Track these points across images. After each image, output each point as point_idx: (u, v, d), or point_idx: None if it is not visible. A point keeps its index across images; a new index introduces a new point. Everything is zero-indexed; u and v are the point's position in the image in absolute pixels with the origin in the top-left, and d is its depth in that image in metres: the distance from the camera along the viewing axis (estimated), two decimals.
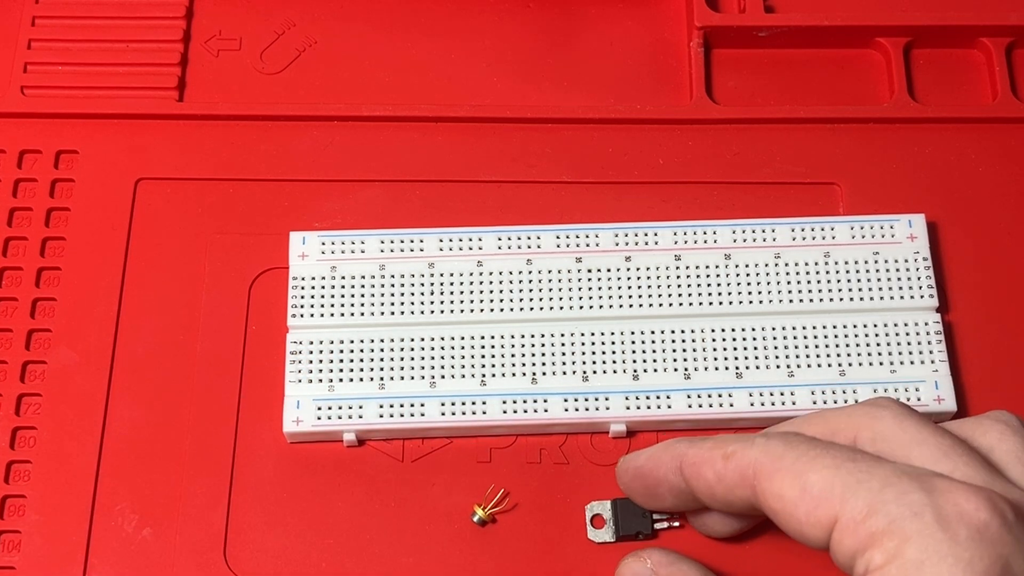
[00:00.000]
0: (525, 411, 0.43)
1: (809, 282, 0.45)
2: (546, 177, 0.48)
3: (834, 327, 0.44)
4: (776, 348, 0.44)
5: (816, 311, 0.44)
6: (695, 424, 0.43)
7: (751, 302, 0.45)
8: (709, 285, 0.45)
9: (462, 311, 0.44)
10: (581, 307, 0.44)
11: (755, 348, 0.44)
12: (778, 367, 0.43)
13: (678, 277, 0.45)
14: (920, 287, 0.45)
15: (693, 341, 0.44)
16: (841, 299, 0.45)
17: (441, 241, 0.45)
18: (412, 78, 0.50)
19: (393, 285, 0.45)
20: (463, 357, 0.43)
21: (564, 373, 0.43)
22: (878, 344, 0.44)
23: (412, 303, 0.44)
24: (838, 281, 0.45)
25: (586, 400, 0.43)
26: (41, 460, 0.43)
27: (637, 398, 0.43)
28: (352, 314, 0.44)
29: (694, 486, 0.37)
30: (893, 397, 0.39)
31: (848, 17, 0.50)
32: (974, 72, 0.50)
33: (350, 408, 0.43)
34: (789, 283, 0.45)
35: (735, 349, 0.44)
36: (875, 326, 0.44)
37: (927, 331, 0.44)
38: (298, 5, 0.51)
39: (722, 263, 0.45)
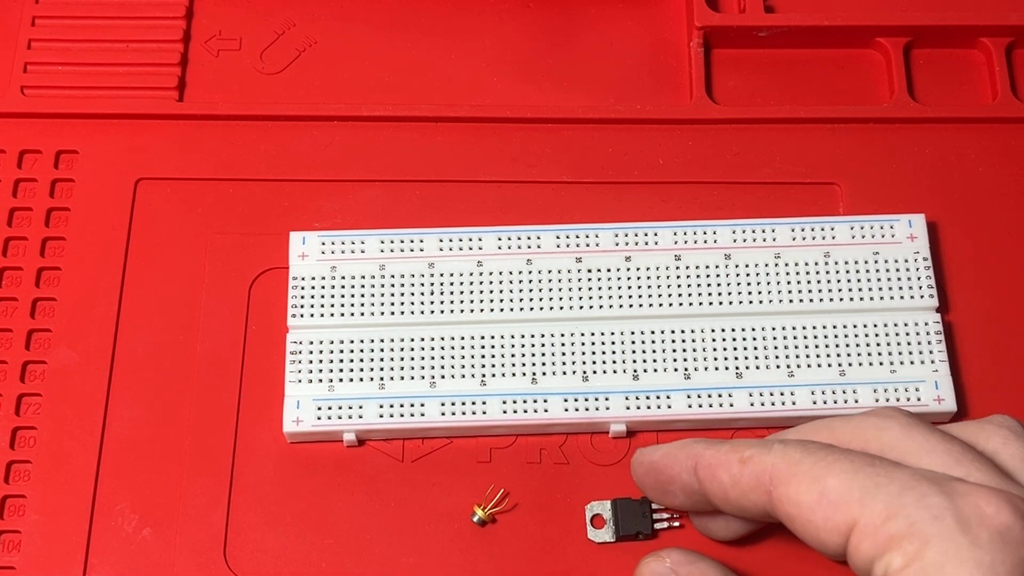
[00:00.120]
0: (525, 411, 0.43)
1: (809, 282, 0.45)
2: (546, 177, 0.48)
3: (834, 327, 0.44)
4: (776, 348, 0.44)
5: (816, 311, 0.44)
6: (695, 424, 0.43)
7: (751, 302, 0.45)
8: (709, 285, 0.45)
9: (462, 311, 0.44)
10: (581, 307, 0.44)
11: (755, 348, 0.44)
12: (778, 367, 0.43)
13: (678, 277, 0.45)
14: (920, 287, 0.45)
15: (693, 341, 0.44)
16: (841, 299, 0.45)
17: (441, 241, 0.45)
18: (412, 78, 0.50)
19: (393, 285, 0.45)
20: (463, 357, 0.43)
21: (564, 373, 0.43)
22: (878, 344, 0.44)
23: (412, 303, 0.44)
24: (838, 281, 0.45)
25: (586, 400, 0.43)
26: (41, 460, 0.43)
27: (637, 398, 0.43)
28: (352, 314, 0.44)
29: (708, 488, 0.37)
30: (896, 406, 0.39)
31: (848, 17, 0.50)
32: (974, 72, 0.50)
33: (350, 408, 0.43)
34: (789, 283, 0.45)
35: (735, 349, 0.44)
36: (875, 326, 0.44)
37: (927, 331, 0.44)
38: (298, 5, 0.51)
39: (722, 263, 0.45)
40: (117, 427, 0.43)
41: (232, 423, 0.43)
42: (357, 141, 0.48)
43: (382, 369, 0.43)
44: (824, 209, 0.47)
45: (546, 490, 0.43)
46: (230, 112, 0.49)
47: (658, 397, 0.43)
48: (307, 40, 0.51)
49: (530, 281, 0.45)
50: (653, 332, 0.44)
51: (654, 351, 0.44)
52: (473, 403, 0.43)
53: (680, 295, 0.45)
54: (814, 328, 0.44)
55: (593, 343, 0.44)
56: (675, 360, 0.43)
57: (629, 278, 0.45)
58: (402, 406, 0.43)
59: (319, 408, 0.43)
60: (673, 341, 0.44)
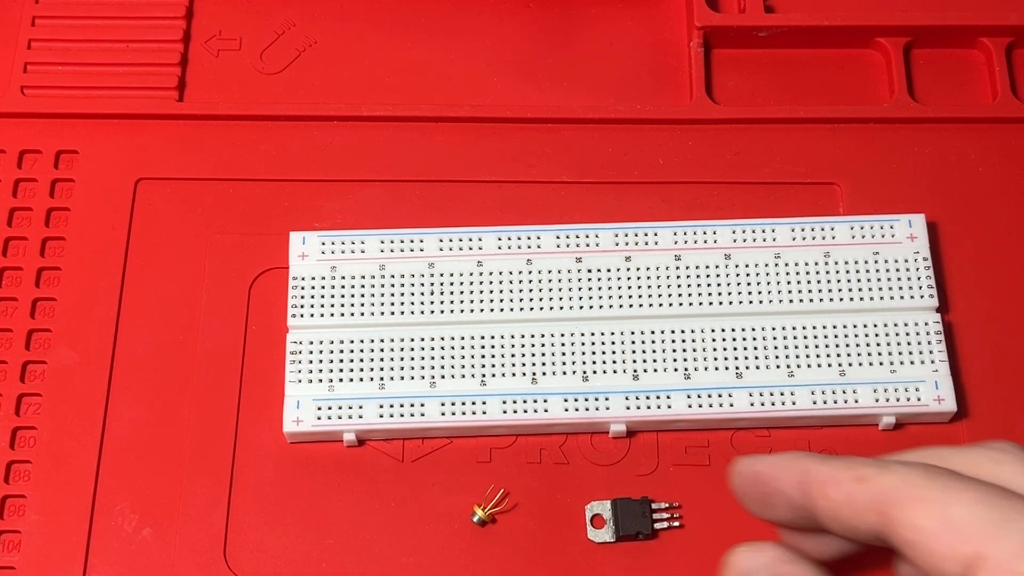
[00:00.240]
0: (525, 411, 0.43)
1: (809, 282, 0.45)
2: (546, 177, 0.48)
3: (834, 327, 0.44)
4: (776, 348, 0.44)
5: (816, 311, 0.44)
6: (695, 424, 0.43)
7: (751, 302, 0.45)
8: (709, 285, 0.45)
9: (462, 311, 0.44)
10: (581, 307, 0.44)
11: (755, 348, 0.44)
12: (778, 367, 0.43)
13: (678, 277, 0.45)
14: (920, 287, 0.45)
15: (693, 341, 0.44)
16: (841, 299, 0.45)
17: (441, 241, 0.45)
18: (412, 78, 0.50)
19: (393, 285, 0.45)
20: (463, 357, 0.43)
21: (564, 373, 0.43)
22: (878, 344, 0.44)
23: (412, 303, 0.44)
24: (838, 281, 0.45)
25: (586, 400, 0.43)
26: (41, 460, 0.43)
27: (637, 398, 0.43)
28: (352, 314, 0.44)
29: (818, 504, 0.34)
30: (1010, 440, 0.35)
31: (848, 17, 0.50)
32: (974, 72, 0.50)
33: (350, 408, 0.43)
34: (789, 283, 0.45)
35: (735, 349, 0.44)
36: (875, 326, 0.44)
37: (927, 331, 0.44)
38: (298, 5, 0.51)
39: (722, 263, 0.45)
40: (117, 427, 0.43)
41: (232, 423, 0.43)
42: (357, 141, 0.48)
43: (382, 369, 0.43)
44: (824, 209, 0.47)
45: (546, 490, 0.43)
46: (230, 112, 0.49)
47: (658, 397, 0.43)
48: (307, 40, 0.51)
49: (530, 281, 0.45)
50: (653, 332, 0.44)
51: (654, 351, 0.44)
52: (473, 403, 0.43)
53: (680, 295, 0.45)
54: (814, 328, 0.44)
55: (593, 343, 0.44)
56: (675, 360, 0.43)
57: (629, 278, 0.45)
58: (402, 406, 0.43)
59: (319, 408, 0.43)
60: (673, 341, 0.44)
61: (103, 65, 0.49)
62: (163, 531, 0.42)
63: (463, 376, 0.43)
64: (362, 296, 0.44)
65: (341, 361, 0.43)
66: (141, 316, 0.45)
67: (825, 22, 0.50)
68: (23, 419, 0.43)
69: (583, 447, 0.43)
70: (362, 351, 0.43)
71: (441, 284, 0.45)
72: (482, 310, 0.44)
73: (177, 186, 0.47)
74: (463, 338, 0.44)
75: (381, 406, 0.43)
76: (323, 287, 0.44)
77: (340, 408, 0.43)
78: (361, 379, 0.43)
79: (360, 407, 0.43)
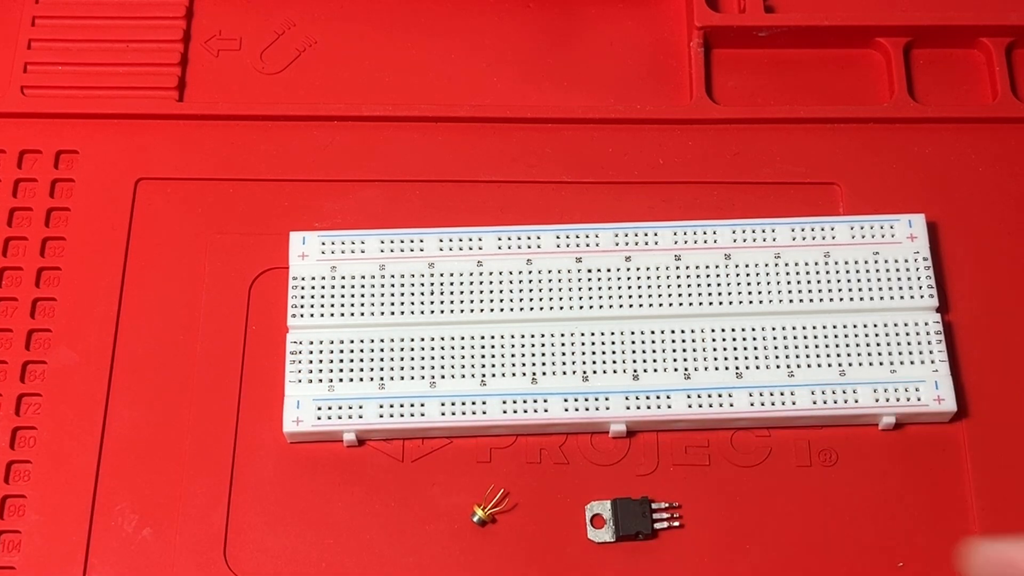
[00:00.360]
0: (525, 411, 0.43)
1: (809, 282, 0.45)
2: (546, 177, 0.48)
3: (834, 327, 0.44)
4: (776, 348, 0.44)
5: (816, 311, 0.44)
6: (695, 424, 0.43)
7: (751, 302, 0.44)
8: (709, 285, 0.45)
9: (462, 311, 0.44)
10: (581, 307, 0.44)
11: (755, 348, 0.44)
12: (778, 367, 0.43)
13: (678, 277, 0.45)
14: (920, 287, 0.45)
15: (693, 341, 0.44)
16: (841, 299, 0.45)
17: (441, 241, 0.45)
18: (412, 78, 0.50)
19: (393, 285, 0.45)
20: (463, 357, 0.43)
21: (564, 373, 0.43)
22: (878, 344, 0.44)
23: (412, 303, 0.44)
24: (838, 281, 0.45)
25: (586, 400, 0.43)
26: (41, 460, 0.43)
27: (637, 398, 0.43)
28: (352, 314, 0.44)
29: None
30: None
31: (848, 17, 0.50)
32: (974, 72, 0.50)
33: (350, 408, 0.43)
34: (789, 283, 0.45)
35: (735, 349, 0.44)
36: (875, 326, 0.44)
37: (927, 331, 0.44)
38: (298, 5, 0.51)
39: (722, 263, 0.45)
40: (117, 427, 0.43)
41: (232, 423, 0.43)
42: (357, 141, 0.48)
43: (382, 369, 0.43)
44: (824, 209, 0.47)
45: (546, 490, 0.43)
46: (230, 112, 0.49)
47: (658, 397, 0.43)
48: (307, 40, 0.51)
49: (530, 281, 0.45)
50: (653, 332, 0.44)
51: (654, 351, 0.44)
52: (473, 403, 0.43)
53: (680, 295, 0.45)
54: (814, 328, 0.44)
55: (593, 343, 0.44)
56: (675, 360, 0.43)
57: (629, 278, 0.45)
58: (402, 406, 0.43)
59: (319, 408, 0.43)
60: (673, 341, 0.44)
61: (103, 65, 0.49)
62: (163, 531, 0.42)
63: (463, 376, 0.43)
64: (362, 296, 0.44)
65: (341, 361, 0.43)
66: (141, 316, 0.45)
67: (825, 22, 0.50)
68: (23, 419, 0.43)
69: (583, 447, 0.43)
70: (362, 351, 0.43)
71: (441, 284, 0.45)
72: (482, 310, 0.44)
73: (177, 186, 0.47)
74: (463, 338, 0.44)
75: (381, 406, 0.43)
76: (323, 287, 0.44)
77: (340, 408, 0.43)
78: (361, 379, 0.43)
79: (360, 407, 0.43)
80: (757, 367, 0.43)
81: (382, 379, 0.43)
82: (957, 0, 0.50)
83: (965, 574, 0.34)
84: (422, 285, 0.45)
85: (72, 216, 0.47)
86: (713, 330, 0.44)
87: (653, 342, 0.44)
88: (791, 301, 0.45)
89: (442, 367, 0.43)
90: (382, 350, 0.43)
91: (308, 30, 0.51)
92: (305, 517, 0.42)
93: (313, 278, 0.45)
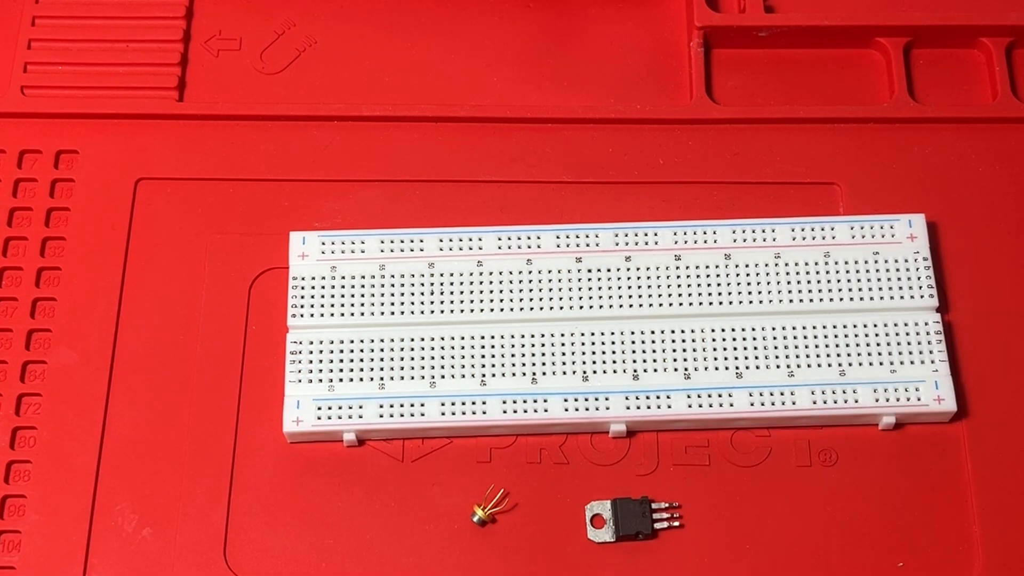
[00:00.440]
0: (525, 411, 0.43)
1: (809, 282, 0.45)
2: (546, 177, 0.48)
3: (834, 327, 0.44)
4: (776, 348, 0.44)
5: (816, 311, 0.44)
6: (695, 424, 0.43)
7: (751, 302, 0.44)
8: (709, 285, 0.45)
9: (462, 311, 0.44)
10: (581, 307, 0.44)
11: (755, 348, 0.44)
12: (778, 367, 0.43)
13: (678, 277, 0.45)
14: (920, 287, 0.45)
15: (693, 341, 0.44)
16: (841, 299, 0.45)
17: (441, 241, 0.45)
18: (412, 78, 0.50)
19: (393, 285, 0.45)
20: (463, 357, 0.43)
21: (564, 373, 0.43)
22: (878, 344, 0.44)
23: (412, 303, 0.44)
24: (838, 281, 0.45)
25: (586, 400, 0.43)
26: (41, 460, 0.43)
27: (637, 398, 0.43)
28: (352, 314, 0.44)
29: None
30: None
31: (848, 17, 0.50)
32: (974, 72, 0.50)
33: (350, 408, 0.43)
34: (789, 283, 0.45)
35: (735, 349, 0.44)
36: (875, 326, 0.44)
37: (927, 331, 0.44)
38: (298, 5, 0.51)
39: (722, 263, 0.45)
40: (117, 427, 0.43)
41: (232, 423, 0.43)
42: (357, 141, 0.48)
43: (382, 369, 0.43)
44: (824, 209, 0.47)
45: (546, 490, 0.43)
46: (230, 112, 0.49)
47: (658, 397, 0.43)
48: (307, 40, 0.51)
49: (530, 281, 0.45)
50: (653, 332, 0.44)
51: (654, 351, 0.44)
52: (473, 403, 0.43)
53: (680, 295, 0.45)
54: (814, 328, 0.44)
55: (593, 343, 0.44)
56: (675, 360, 0.43)
57: (629, 278, 0.45)
58: (402, 406, 0.43)
59: (319, 408, 0.43)
60: (673, 341, 0.44)
61: (103, 65, 0.49)
62: (163, 531, 0.42)
63: (463, 376, 0.43)
64: (362, 296, 0.44)
65: (341, 361, 0.43)
66: (141, 316, 0.45)
67: (825, 22, 0.50)
68: (23, 419, 0.43)
69: (583, 447, 0.43)
70: (362, 351, 0.43)
71: (441, 284, 0.45)
72: (482, 310, 0.44)
73: (177, 186, 0.47)
74: (463, 338, 0.44)
75: (381, 406, 0.43)
76: (323, 287, 0.44)
77: (340, 408, 0.43)
78: (361, 379, 0.43)
79: (360, 407, 0.43)
80: (757, 367, 0.43)
81: (382, 379, 0.43)
82: (957, 0, 0.50)
83: None
84: (422, 285, 0.45)
85: (72, 216, 0.47)
86: (713, 330, 0.44)
87: (653, 342, 0.44)
88: (791, 301, 0.45)
89: (442, 367, 0.43)
90: (382, 350, 0.43)
91: (308, 30, 0.51)
92: (305, 517, 0.42)
93: (313, 278, 0.45)
